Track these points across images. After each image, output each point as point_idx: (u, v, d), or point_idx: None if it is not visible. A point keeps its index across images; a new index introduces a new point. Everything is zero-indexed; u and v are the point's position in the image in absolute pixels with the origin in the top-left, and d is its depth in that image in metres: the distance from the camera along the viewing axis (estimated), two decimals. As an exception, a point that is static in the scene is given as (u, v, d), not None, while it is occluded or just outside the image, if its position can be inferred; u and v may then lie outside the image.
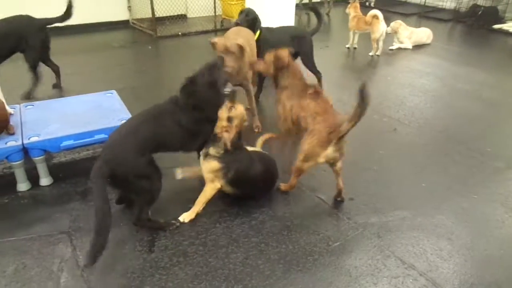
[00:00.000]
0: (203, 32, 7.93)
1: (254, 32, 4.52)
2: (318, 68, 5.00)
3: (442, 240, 2.79)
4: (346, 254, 2.65)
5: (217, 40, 3.64)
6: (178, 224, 2.82)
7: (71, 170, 3.45)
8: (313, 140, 2.89)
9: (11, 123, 3.17)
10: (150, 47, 7.09)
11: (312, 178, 3.39)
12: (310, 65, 4.97)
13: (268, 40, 4.56)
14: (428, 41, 7.54)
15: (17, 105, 3.57)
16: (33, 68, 4.59)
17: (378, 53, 6.79)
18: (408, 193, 3.28)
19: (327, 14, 9.83)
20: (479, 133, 4.30)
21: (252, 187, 3.03)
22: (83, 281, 2.37)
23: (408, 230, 2.87)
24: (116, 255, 2.57)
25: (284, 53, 3.22)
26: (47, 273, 2.41)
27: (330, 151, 2.87)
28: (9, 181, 3.19)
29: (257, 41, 4.48)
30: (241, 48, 3.59)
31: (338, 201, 3.13)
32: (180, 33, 7.74)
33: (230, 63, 3.53)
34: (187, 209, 2.89)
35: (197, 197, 2.90)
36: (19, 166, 3.08)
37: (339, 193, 3.15)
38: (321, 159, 2.91)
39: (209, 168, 2.84)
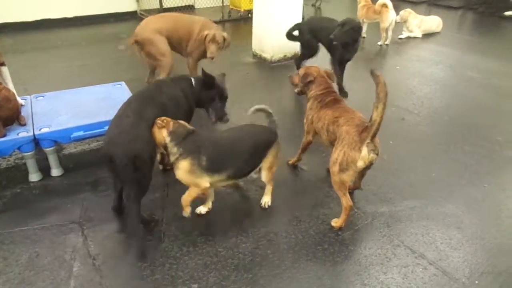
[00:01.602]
0: (210, 23, 7.90)
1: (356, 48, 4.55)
2: (322, 57, 4.99)
3: (452, 229, 2.78)
4: (355, 243, 2.66)
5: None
6: (157, 218, 2.81)
7: (81, 161, 3.48)
8: (344, 145, 2.62)
9: (22, 114, 3.20)
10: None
11: (321, 169, 3.39)
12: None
13: None
14: (438, 30, 7.45)
15: (28, 96, 3.60)
16: None
17: (387, 42, 6.72)
18: (418, 182, 3.26)
19: (319, 7, 9.47)
20: (489, 122, 4.26)
21: (240, 163, 2.66)
22: (94, 270, 2.40)
23: (418, 220, 2.86)
24: (127, 245, 2.60)
25: (314, 70, 3.19)
26: (59, 262, 2.44)
27: (365, 152, 2.56)
28: (21, 171, 3.24)
29: None
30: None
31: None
32: (187, 24, 7.71)
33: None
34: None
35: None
36: (31, 157, 3.11)
37: (354, 189, 3.09)
38: (360, 163, 2.58)
39: (183, 171, 2.51)
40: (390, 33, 6.67)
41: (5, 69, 3.36)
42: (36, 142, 3.08)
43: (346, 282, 2.37)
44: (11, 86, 3.34)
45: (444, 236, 2.71)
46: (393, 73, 5.65)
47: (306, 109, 3.20)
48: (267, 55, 5.78)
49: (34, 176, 3.19)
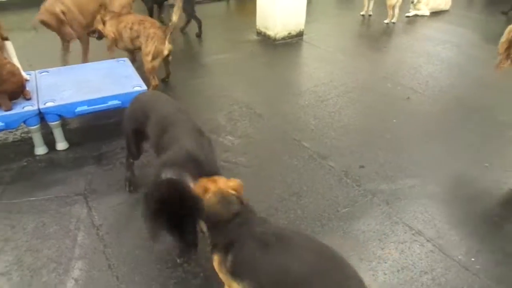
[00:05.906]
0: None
1: None
2: (333, 37, 4.95)
3: (451, 208, 2.80)
4: (354, 220, 2.69)
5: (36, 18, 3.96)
6: (129, 190, 2.85)
7: (86, 135, 3.52)
8: (154, 41, 3.86)
9: (27, 88, 3.23)
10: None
11: (322, 146, 3.41)
12: (190, 9, 5.59)
13: None
14: (446, 8, 7.32)
15: (32, 72, 3.62)
16: None
17: (394, 20, 6.62)
18: (420, 161, 3.27)
19: None
20: (493, 102, 4.23)
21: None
22: (98, 240, 2.47)
23: (418, 198, 2.89)
24: (130, 216, 2.66)
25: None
26: (64, 231, 2.52)
27: (167, 44, 3.94)
28: (28, 145, 3.30)
29: None
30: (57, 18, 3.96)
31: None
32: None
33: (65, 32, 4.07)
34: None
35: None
36: (36, 131, 3.16)
37: (167, 76, 4.36)
38: (166, 52, 3.95)
39: (216, 267, 1.81)
40: (397, 10, 6.56)
41: (9, 44, 3.38)
42: (41, 116, 3.13)
43: (343, 256, 2.41)
44: (15, 61, 3.36)
45: (443, 215, 2.74)
46: (399, 52, 5.58)
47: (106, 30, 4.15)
48: (271, 32, 5.73)
49: (40, 150, 3.24)
